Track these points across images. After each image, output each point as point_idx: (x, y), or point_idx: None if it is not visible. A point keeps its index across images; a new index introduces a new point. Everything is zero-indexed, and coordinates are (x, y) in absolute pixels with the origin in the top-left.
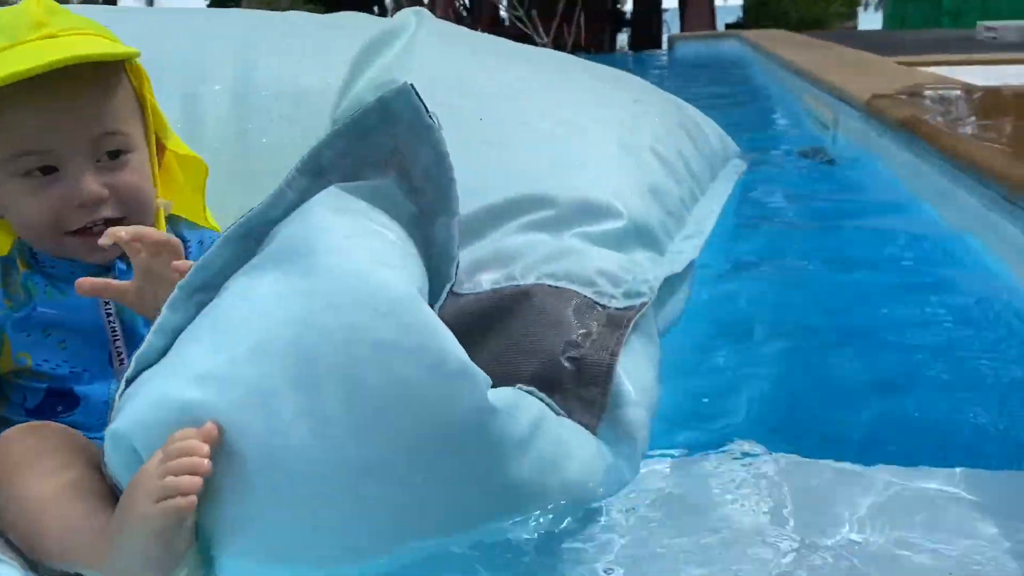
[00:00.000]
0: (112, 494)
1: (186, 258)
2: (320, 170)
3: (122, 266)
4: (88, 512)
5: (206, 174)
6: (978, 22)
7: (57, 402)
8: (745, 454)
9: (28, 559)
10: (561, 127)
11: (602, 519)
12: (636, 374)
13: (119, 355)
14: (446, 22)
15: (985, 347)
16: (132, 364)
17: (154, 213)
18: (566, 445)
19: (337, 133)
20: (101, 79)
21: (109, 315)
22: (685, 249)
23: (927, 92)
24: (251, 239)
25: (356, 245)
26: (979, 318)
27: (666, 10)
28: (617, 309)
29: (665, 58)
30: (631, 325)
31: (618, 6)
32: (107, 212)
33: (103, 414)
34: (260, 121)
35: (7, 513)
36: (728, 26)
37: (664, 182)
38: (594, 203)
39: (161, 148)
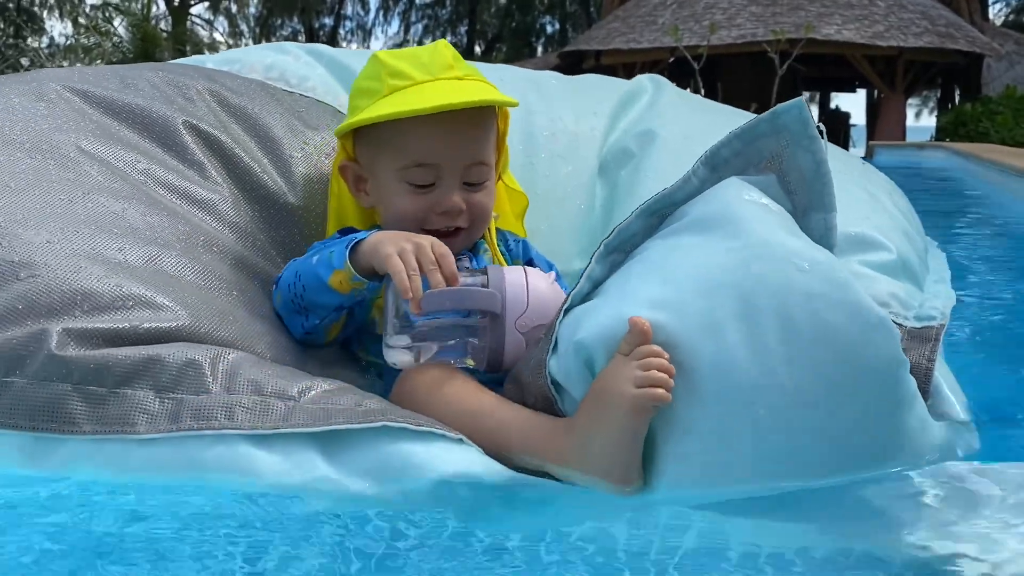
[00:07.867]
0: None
1: (508, 250)
2: (716, 165)
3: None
4: (532, 414)
5: (527, 205)
6: None
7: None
8: None
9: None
10: None
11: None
12: (946, 380)
13: None
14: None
15: None
16: (567, 300)
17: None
18: (926, 414)
19: (734, 135)
20: (484, 119)
21: None
22: (941, 291)
23: None
24: (656, 216)
25: (771, 219)
26: None
27: (854, 125)
28: (915, 328)
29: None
30: (940, 338)
31: None
32: (460, 222)
33: None
34: (541, 155)
35: (459, 422)
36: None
37: (908, 229)
38: (863, 236)
39: (497, 178)
